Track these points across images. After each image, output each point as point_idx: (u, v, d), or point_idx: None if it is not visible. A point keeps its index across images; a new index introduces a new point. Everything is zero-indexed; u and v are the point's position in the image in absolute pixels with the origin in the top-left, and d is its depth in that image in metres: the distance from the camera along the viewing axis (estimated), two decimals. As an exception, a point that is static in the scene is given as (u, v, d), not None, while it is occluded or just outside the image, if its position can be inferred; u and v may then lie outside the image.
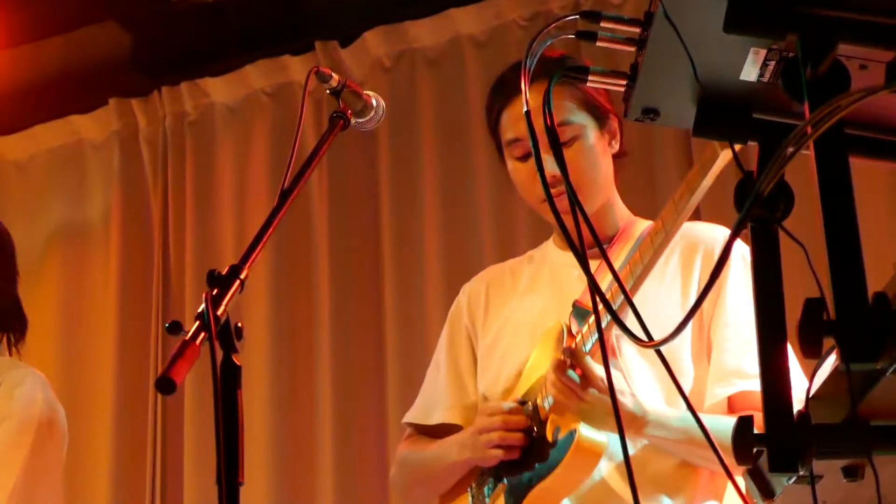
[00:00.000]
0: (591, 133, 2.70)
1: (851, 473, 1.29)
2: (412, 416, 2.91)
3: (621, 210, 2.80)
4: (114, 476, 4.77)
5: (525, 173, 2.71)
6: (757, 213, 1.35)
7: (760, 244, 1.38)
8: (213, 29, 5.11)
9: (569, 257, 2.74)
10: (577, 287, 2.69)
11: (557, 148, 1.60)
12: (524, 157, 2.71)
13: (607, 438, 2.50)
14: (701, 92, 1.48)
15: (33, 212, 5.29)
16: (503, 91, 2.75)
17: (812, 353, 1.22)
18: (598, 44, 1.57)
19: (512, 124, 2.71)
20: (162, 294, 4.91)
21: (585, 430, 2.50)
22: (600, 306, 1.58)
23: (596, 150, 2.71)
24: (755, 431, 1.29)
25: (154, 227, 5.03)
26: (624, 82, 1.56)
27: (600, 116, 2.71)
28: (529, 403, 2.62)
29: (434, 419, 2.84)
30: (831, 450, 1.25)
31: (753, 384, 2.47)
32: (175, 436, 4.73)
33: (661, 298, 2.61)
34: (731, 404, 2.56)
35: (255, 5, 5.02)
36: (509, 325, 2.79)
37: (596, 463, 2.51)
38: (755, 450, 1.29)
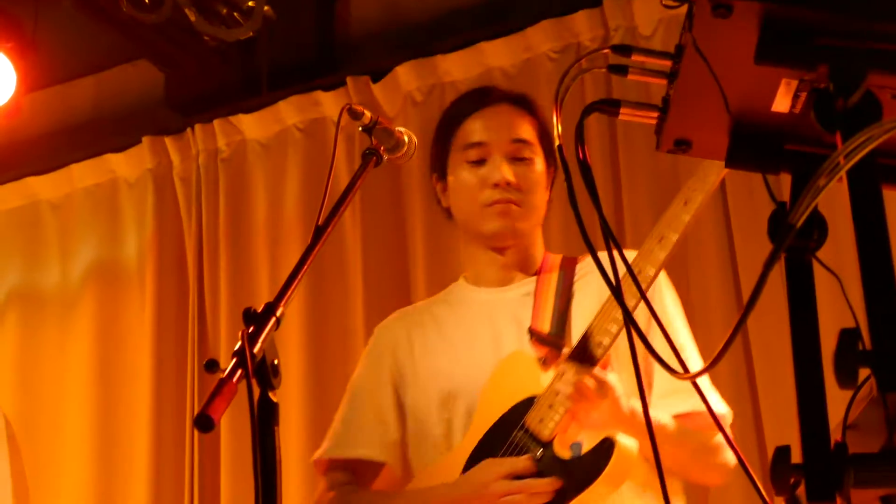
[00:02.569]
0: (540, 163, 2.83)
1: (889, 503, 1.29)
2: (330, 450, 2.86)
3: (542, 243, 2.91)
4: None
5: (476, 178, 2.78)
6: (791, 243, 1.35)
7: (795, 275, 1.39)
8: (245, 65, 5.14)
9: (485, 293, 2.84)
10: (506, 322, 2.75)
11: (588, 173, 1.59)
12: (479, 162, 2.79)
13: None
14: (733, 123, 1.49)
15: (68, 251, 5.33)
16: (478, 98, 2.87)
17: (847, 384, 1.23)
18: (630, 77, 1.58)
19: (480, 128, 2.81)
20: (197, 331, 4.93)
21: (622, 437, 2.51)
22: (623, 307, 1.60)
23: (543, 178, 2.84)
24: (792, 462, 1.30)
25: (188, 264, 5.05)
26: (655, 115, 1.57)
27: (550, 154, 2.81)
28: (518, 434, 2.61)
29: (357, 453, 2.81)
30: (869, 480, 1.26)
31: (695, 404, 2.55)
32: (212, 473, 4.73)
33: None
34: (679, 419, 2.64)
35: (286, 41, 5.05)
36: (445, 369, 2.79)
37: (632, 467, 2.51)
38: (792, 480, 1.29)
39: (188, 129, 5.15)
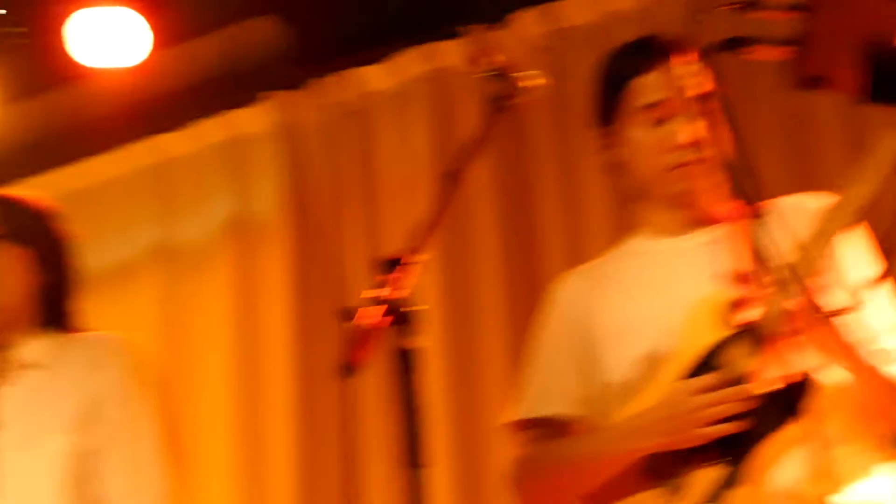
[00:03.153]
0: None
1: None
2: (524, 410, 2.76)
3: (724, 191, 2.73)
4: (297, 468, 4.85)
5: (655, 139, 2.66)
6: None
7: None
8: (369, 17, 5.15)
9: (667, 244, 2.72)
10: (693, 268, 2.65)
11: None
12: (658, 122, 2.66)
13: None
14: (871, 56, 1.46)
15: (202, 207, 5.42)
16: (648, 51, 2.70)
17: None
18: (761, 14, 1.56)
19: (656, 86, 2.65)
20: (334, 283, 4.97)
21: (829, 373, 2.39)
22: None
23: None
24: None
25: (320, 218, 5.10)
26: (788, 50, 1.54)
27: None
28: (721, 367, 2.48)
29: (550, 410, 2.72)
30: None
31: None
32: (354, 423, 4.77)
33: None
34: None
35: (410, -8, 5.05)
36: (632, 319, 2.69)
37: (835, 408, 2.39)
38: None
39: (313, 83, 5.18)
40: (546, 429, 2.71)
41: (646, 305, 2.68)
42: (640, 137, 2.70)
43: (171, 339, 5.28)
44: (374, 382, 4.60)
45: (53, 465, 2.58)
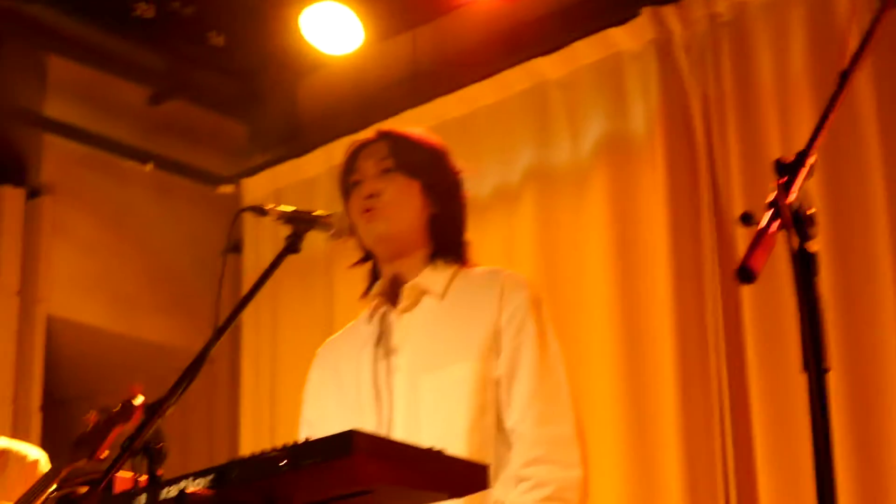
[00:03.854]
0: None
1: None
2: None
3: None
4: (678, 370, 4.83)
5: None
6: None
7: None
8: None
9: None
10: None
11: None
12: None
13: None
14: None
15: (577, 128, 5.44)
16: None
17: None
18: None
19: None
20: (710, 195, 4.93)
21: None
22: None
23: None
24: None
25: (696, 130, 5.04)
26: None
27: None
28: None
29: None
30: None
31: None
32: (735, 328, 4.73)
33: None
34: None
35: None
36: None
37: None
38: None
39: (682, -3, 5.13)
40: None
41: None
42: None
43: (549, 260, 5.35)
44: (756, 289, 4.55)
45: (461, 392, 2.65)
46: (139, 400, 2.51)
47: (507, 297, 2.75)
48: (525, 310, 2.73)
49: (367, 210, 2.82)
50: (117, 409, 2.93)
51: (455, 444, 2.49)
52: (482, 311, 2.75)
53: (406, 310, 2.82)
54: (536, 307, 2.76)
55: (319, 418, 2.75)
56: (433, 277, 2.82)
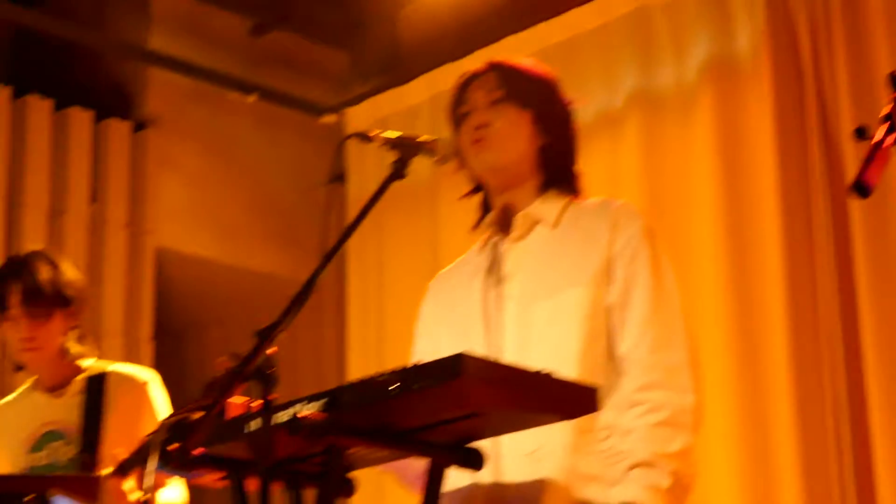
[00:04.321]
0: None
1: None
2: None
3: None
4: (787, 294, 4.79)
5: None
6: None
7: None
8: None
9: None
10: None
11: None
12: None
13: None
14: None
15: (681, 51, 5.38)
16: None
17: None
18: None
19: None
20: (819, 115, 4.85)
21: None
22: None
23: None
24: None
25: (803, 51, 4.97)
26: None
27: None
28: None
29: None
30: None
31: None
32: (843, 242, 4.68)
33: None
34: None
35: None
36: None
37: None
38: None
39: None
40: None
41: None
42: None
43: (654, 185, 5.32)
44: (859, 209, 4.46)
45: (572, 318, 2.64)
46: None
47: (620, 226, 2.74)
48: (639, 238, 2.72)
49: (477, 140, 2.81)
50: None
51: (565, 369, 2.48)
52: (595, 239, 2.74)
53: (518, 239, 2.82)
54: (650, 237, 2.75)
55: (433, 351, 2.76)
56: (545, 207, 2.81)
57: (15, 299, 3.58)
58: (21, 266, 3.63)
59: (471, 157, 2.84)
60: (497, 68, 2.87)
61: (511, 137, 2.81)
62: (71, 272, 3.69)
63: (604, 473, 2.56)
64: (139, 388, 3.65)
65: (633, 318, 2.66)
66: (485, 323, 2.75)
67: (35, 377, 3.73)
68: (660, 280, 2.69)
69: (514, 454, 2.59)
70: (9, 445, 3.65)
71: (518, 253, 2.81)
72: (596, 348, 2.66)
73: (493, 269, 2.81)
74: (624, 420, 2.57)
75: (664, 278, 2.71)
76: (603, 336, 2.67)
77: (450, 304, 2.87)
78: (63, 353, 3.65)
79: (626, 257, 2.70)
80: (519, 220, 2.82)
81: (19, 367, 3.72)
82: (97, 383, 3.63)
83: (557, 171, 2.86)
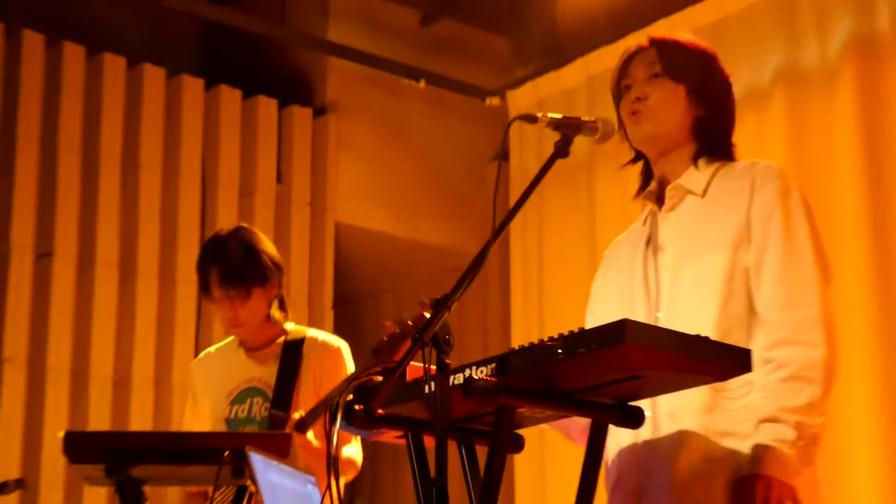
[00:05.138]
0: None
1: None
2: None
3: None
4: None
5: None
6: None
7: None
8: None
9: None
10: None
11: None
12: None
13: None
14: None
15: (825, 30, 5.26)
16: None
17: None
18: None
19: None
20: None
21: None
22: None
23: None
24: None
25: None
26: None
27: None
28: None
29: None
30: None
31: None
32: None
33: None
34: None
35: None
36: None
37: None
38: None
39: None
40: None
41: None
42: None
43: (799, 161, 5.20)
44: None
45: (711, 281, 2.62)
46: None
47: (757, 188, 2.68)
48: (774, 199, 2.66)
49: (634, 112, 2.80)
50: (412, 321, 2.98)
51: (705, 330, 2.46)
52: (736, 202, 2.70)
53: (671, 209, 2.80)
54: (785, 195, 2.67)
55: (603, 313, 2.77)
56: (695, 176, 2.78)
57: (216, 284, 3.63)
58: (218, 251, 3.66)
59: (628, 127, 2.83)
60: (656, 44, 2.85)
61: (666, 110, 2.78)
62: (266, 247, 3.73)
63: (737, 430, 2.53)
64: (333, 353, 3.69)
65: (767, 278, 2.61)
66: (645, 291, 2.74)
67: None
68: (791, 238, 2.63)
69: (657, 415, 2.59)
70: (213, 394, 3.72)
71: (670, 223, 2.78)
72: (731, 309, 2.62)
73: (651, 240, 2.80)
74: (758, 377, 2.53)
75: (796, 236, 2.64)
76: (741, 296, 2.63)
77: (618, 270, 2.86)
78: (267, 320, 3.71)
79: (762, 218, 2.65)
80: (670, 192, 2.80)
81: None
82: (295, 347, 3.69)
83: (710, 142, 2.81)
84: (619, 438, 2.64)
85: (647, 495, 2.58)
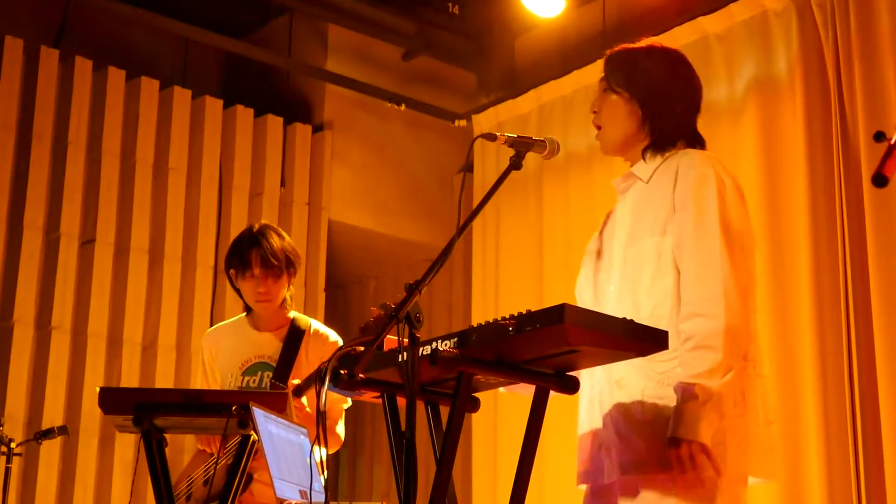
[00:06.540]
0: None
1: None
2: None
3: None
4: (812, 263, 4.67)
5: None
6: None
7: None
8: None
9: None
10: None
11: None
12: None
13: None
14: None
15: (733, 72, 5.24)
16: None
17: None
18: None
19: None
20: (839, 129, 4.69)
21: None
22: None
23: None
24: None
25: (829, 75, 4.80)
26: None
27: None
28: None
29: None
30: None
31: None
32: (859, 229, 4.54)
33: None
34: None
35: None
36: None
37: None
38: None
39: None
40: None
41: None
42: None
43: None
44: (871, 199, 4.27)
45: (647, 262, 2.55)
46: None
47: (680, 177, 2.54)
48: (690, 187, 2.52)
49: (595, 125, 2.73)
50: (394, 307, 2.94)
51: (640, 303, 2.43)
52: (665, 190, 2.57)
53: (623, 192, 2.70)
54: (701, 183, 2.51)
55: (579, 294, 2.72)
56: (643, 167, 2.65)
57: (256, 262, 3.59)
58: (260, 236, 3.63)
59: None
60: (606, 60, 2.73)
61: (611, 121, 2.67)
62: (291, 242, 3.72)
63: (665, 394, 2.46)
64: (329, 345, 3.65)
65: (683, 261, 2.51)
66: (605, 266, 2.68)
67: (248, 314, 3.74)
68: (700, 223, 2.49)
69: (609, 381, 2.55)
70: (226, 364, 3.66)
71: (623, 207, 2.69)
72: (661, 284, 2.52)
73: (610, 220, 2.73)
74: (679, 349, 2.47)
75: (705, 220, 2.49)
76: (669, 274, 2.52)
77: (593, 252, 2.76)
78: (283, 303, 3.67)
79: (680, 205, 2.53)
80: (623, 178, 2.70)
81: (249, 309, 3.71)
82: (299, 332, 3.64)
83: (657, 138, 2.64)
84: (584, 402, 2.62)
85: (605, 447, 2.54)
